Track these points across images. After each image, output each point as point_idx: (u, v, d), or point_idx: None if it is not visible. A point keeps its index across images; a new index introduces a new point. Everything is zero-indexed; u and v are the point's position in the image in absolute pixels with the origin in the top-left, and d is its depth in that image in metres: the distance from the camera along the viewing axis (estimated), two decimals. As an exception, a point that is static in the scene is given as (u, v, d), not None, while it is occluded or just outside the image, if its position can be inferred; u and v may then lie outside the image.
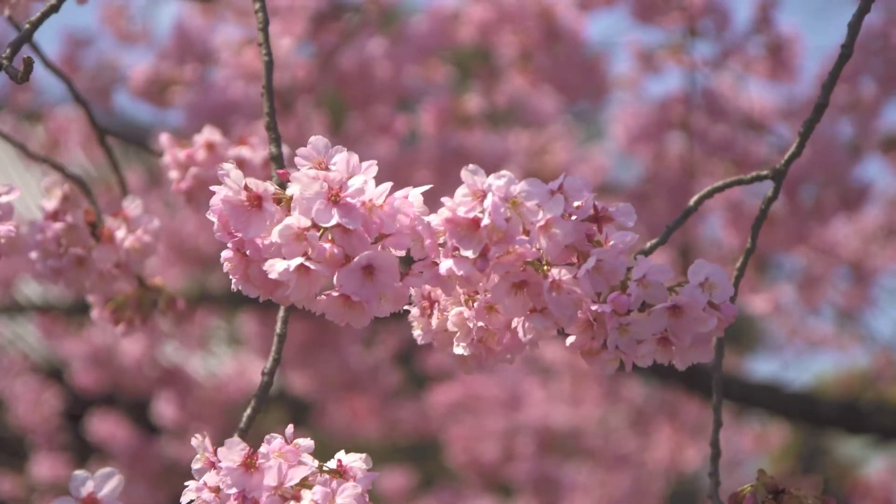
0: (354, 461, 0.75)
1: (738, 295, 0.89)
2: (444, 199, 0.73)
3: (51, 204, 1.06)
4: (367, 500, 0.74)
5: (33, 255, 1.05)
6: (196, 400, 3.24)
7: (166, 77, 2.33)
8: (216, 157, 1.10)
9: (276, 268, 0.72)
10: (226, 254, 0.75)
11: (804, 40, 2.51)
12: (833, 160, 2.42)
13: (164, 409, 3.20)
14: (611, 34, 2.77)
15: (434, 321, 0.81)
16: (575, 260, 0.75)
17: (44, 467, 3.52)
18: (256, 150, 1.10)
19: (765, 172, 0.92)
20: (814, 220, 2.54)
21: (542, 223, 0.72)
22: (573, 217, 0.73)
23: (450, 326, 0.80)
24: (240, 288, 0.76)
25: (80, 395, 3.39)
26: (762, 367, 7.57)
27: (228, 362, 3.65)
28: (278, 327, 0.88)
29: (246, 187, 0.73)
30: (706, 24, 2.45)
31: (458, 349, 0.80)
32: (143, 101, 2.34)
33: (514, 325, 0.79)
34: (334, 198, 0.72)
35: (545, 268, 0.75)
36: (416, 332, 0.81)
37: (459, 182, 0.96)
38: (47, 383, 3.64)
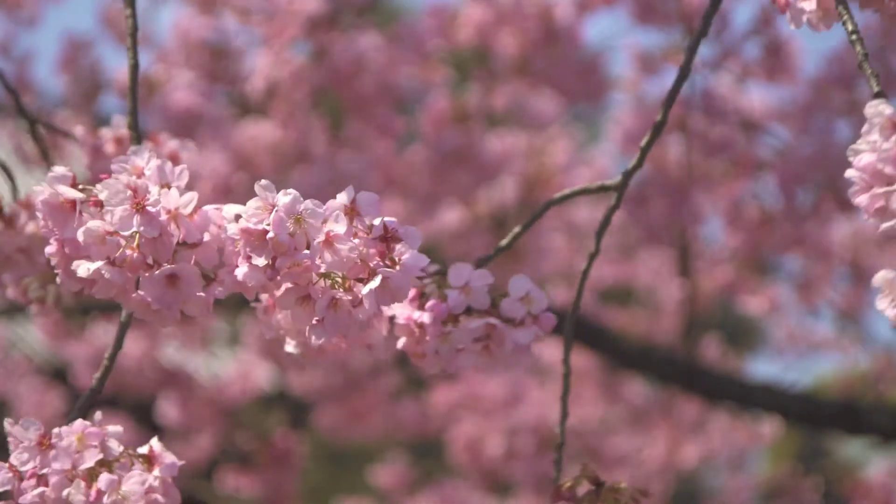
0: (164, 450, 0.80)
1: (575, 295, 0.96)
2: (241, 211, 0.78)
3: None
4: (169, 485, 0.78)
5: None
6: (199, 401, 3.24)
7: (154, 78, 2.31)
8: (124, 152, 1.12)
9: (80, 269, 0.76)
10: (49, 249, 0.79)
11: (803, 42, 2.52)
12: (831, 161, 2.42)
13: (167, 410, 3.21)
14: (610, 35, 2.77)
15: (274, 320, 0.87)
16: (366, 276, 0.79)
17: (46, 468, 3.52)
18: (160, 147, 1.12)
19: (609, 183, 1.01)
20: (812, 221, 2.54)
21: (322, 239, 0.76)
22: (364, 235, 0.78)
23: (284, 325, 0.86)
24: (63, 282, 0.80)
25: (83, 397, 3.40)
26: (762, 369, 7.57)
27: (230, 363, 3.65)
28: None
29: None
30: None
31: (289, 347, 0.87)
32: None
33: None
34: (138, 205, 0.75)
35: (342, 282, 0.79)
36: (262, 328, 0.88)
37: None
38: (51, 385, 3.64)
